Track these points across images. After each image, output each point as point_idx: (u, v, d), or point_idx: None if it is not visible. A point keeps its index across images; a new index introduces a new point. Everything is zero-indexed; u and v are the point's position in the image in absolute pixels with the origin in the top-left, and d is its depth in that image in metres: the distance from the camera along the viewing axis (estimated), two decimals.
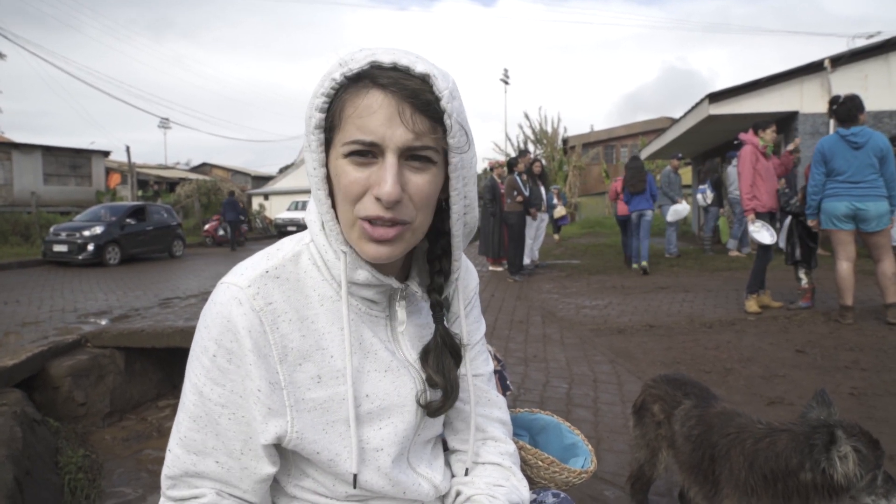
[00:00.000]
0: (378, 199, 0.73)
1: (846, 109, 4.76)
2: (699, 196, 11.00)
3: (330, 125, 0.75)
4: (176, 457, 0.81)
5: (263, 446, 0.79)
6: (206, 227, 19.99)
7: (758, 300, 5.67)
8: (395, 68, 0.71)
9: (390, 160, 0.72)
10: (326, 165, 0.78)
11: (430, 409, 0.88)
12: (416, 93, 0.71)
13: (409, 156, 0.74)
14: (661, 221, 14.98)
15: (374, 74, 0.71)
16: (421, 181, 0.75)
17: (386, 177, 0.72)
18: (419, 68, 0.71)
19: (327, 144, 0.77)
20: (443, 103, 0.72)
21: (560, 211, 16.96)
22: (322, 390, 0.81)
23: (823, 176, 4.86)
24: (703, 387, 1.98)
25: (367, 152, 0.73)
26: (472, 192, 0.83)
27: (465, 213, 0.84)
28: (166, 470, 0.82)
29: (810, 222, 5.10)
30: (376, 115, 0.71)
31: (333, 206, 0.80)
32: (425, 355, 0.89)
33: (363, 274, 0.81)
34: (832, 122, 5.08)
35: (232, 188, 28.91)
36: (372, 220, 0.75)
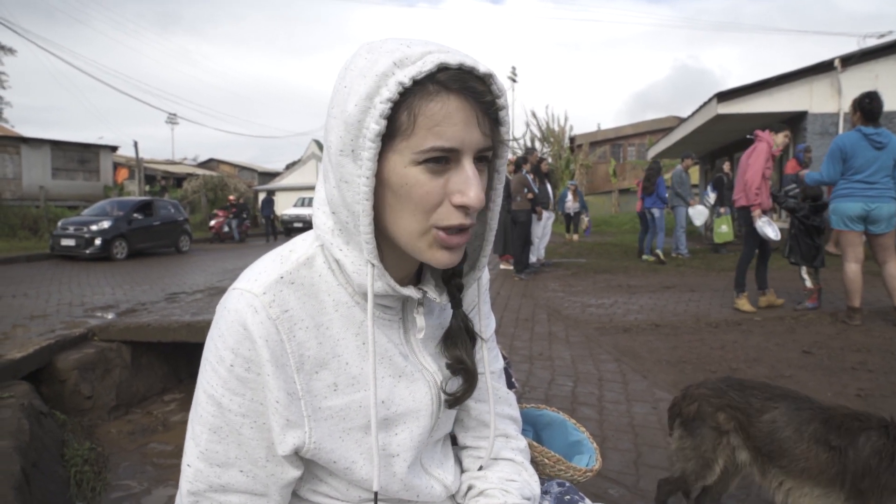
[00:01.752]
0: (460, 207, 0.72)
1: (878, 107, 4.72)
2: (703, 197, 11.02)
3: (390, 131, 0.71)
4: (198, 471, 0.77)
5: (284, 457, 0.78)
6: (213, 223, 19.61)
7: (765, 300, 5.66)
8: (461, 69, 0.69)
9: (469, 165, 0.71)
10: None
11: (451, 400, 0.88)
12: (483, 95, 0.70)
13: (475, 158, 0.73)
14: (669, 220, 14.93)
15: (442, 78, 0.69)
16: (484, 182, 0.76)
17: (471, 183, 0.71)
18: (482, 69, 0.70)
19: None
20: (500, 101, 0.72)
21: (586, 222, 15.90)
22: (338, 398, 0.80)
23: (839, 174, 4.82)
24: (772, 385, 1.89)
25: (443, 158, 0.71)
26: (501, 188, 0.84)
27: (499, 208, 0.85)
28: (187, 486, 0.78)
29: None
30: (454, 121, 0.69)
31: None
32: (449, 340, 0.88)
33: (381, 285, 0.78)
34: (848, 118, 4.98)
35: (239, 185, 29.00)
36: (451, 229, 0.74)
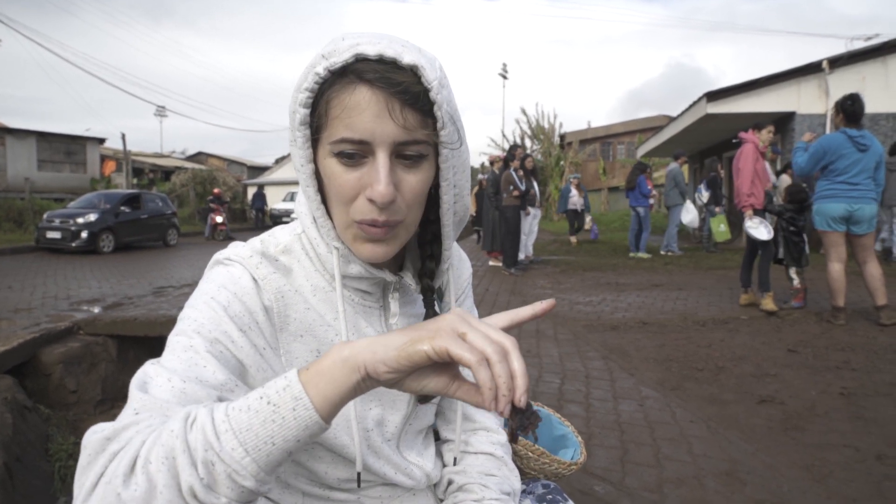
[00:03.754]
0: (371, 201, 0.71)
1: (860, 108, 4.76)
2: (696, 196, 11.11)
3: (316, 122, 0.72)
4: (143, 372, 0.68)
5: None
6: (220, 220, 17.67)
7: (746, 297, 5.71)
8: (381, 60, 0.67)
9: (382, 159, 0.69)
10: (315, 161, 0.75)
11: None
12: (404, 86, 0.67)
13: (399, 152, 0.71)
14: (656, 218, 14.98)
15: (359, 69, 0.67)
16: (413, 179, 0.73)
17: (379, 177, 0.69)
18: (406, 59, 0.67)
19: (314, 140, 0.74)
20: (432, 94, 0.68)
21: (590, 222, 14.11)
22: None
23: (812, 171, 4.92)
24: None
25: (356, 152, 0.70)
26: (461, 181, 0.81)
27: (455, 203, 0.81)
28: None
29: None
30: (365, 113, 0.68)
31: (323, 201, 0.78)
32: None
33: (356, 268, 0.81)
34: (834, 120, 5.02)
35: (228, 179, 28.80)
36: (365, 223, 0.73)
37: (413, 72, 0.68)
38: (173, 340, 0.71)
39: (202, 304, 0.74)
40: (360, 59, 0.68)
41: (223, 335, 0.72)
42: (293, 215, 0.87)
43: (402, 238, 0.78)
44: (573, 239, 13.70)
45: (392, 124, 0.68)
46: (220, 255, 0.82)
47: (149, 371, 0.66)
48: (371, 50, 0.67)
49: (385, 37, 0.70)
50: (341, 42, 0.69)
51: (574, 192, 13.65)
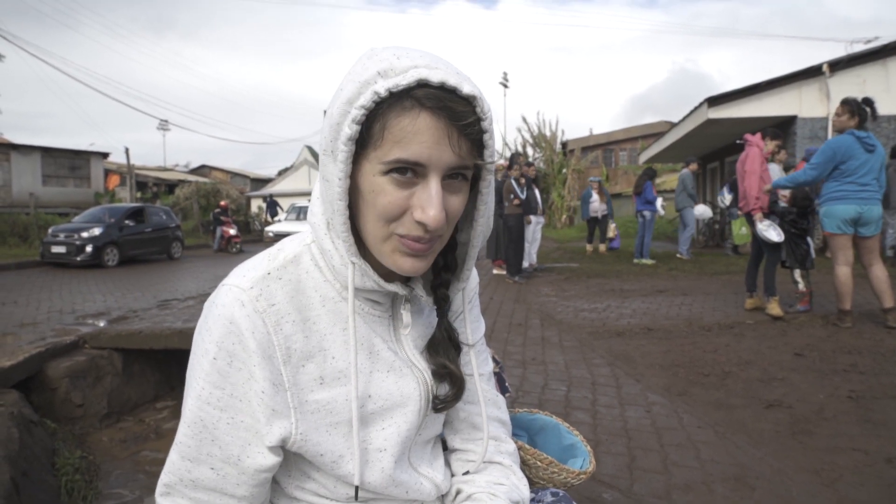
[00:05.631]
0: (420, 223, 0.72)
1: (874, 113, 4.76)
2: (718, 199, 11.11)
3: (365, 139, 0.72)
4: (172, 462, 0.80)
5: (269, 448, 0.79)
6: (234, 232, 17.59)
7: (752, 302, 5.69)
8: (442, 87, 0.69)
9: (434, 184, 0.72)
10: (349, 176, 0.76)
11: (437, 404, 0.89)
12: (463, 115, 0.70)
13: (446, 175, 0.73)
14: (660, 224, 14.94)
15: (420, 95, 0.69)
16: (457, 201, 0.75)
17: (433, 202, 0.71)
18: (466, 89, 0.70)
19: (355, 155, 0.74)
20: (485, 124, 0.72)
21: (613, 230, 12.98)
22: (325, 392, 0.81)
23: (822, 177, 4.87)
24: None
25: (408, 170, 0.72)
26: (491, 201, 0.84)
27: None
28: (163, 476, 0.81)
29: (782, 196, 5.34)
30: (422, 138, 0.69)
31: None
32: (432, 348, 0.89)
33: (370, 283, 0.81)
34: (835, 122, 4.99)
35: (231, 191, 28.91)
36: (412, 239, 0.75)
37: (470, 101, 0.70)
38: (181, 432, 0.79)
39: (202, 376, 0.78)
40: (423, 84, 0.69)
41: (219, 411, 0.77)
42: (277, 223, 0.87)
43: (436, 252, 0.80)
44: (589, 247, 12.97)
45: (449, 151, 0.71)
46: (224, 282, 0.82)
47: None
48: (434, 77, 0.69)
49: (440, 61, 0.72)
50: (397, 61, 0.70)
51: (595, 196, 12.57)
